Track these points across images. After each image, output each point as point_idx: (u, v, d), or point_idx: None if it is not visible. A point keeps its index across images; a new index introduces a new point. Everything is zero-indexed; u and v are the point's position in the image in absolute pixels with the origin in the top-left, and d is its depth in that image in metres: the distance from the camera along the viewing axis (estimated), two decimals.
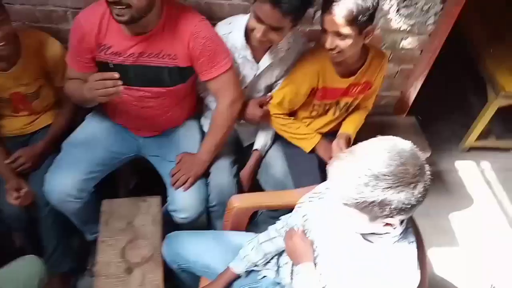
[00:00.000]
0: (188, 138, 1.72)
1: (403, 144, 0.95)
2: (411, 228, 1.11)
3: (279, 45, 1.63)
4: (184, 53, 1.48)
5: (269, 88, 1.78)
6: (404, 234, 1.08)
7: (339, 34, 1.43)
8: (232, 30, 1.60)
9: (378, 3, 1.43)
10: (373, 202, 0.91)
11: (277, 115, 1.74)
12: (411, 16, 1.98)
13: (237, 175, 1.77)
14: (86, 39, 1.44)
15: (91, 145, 1.64)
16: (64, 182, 1.56)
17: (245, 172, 1.80)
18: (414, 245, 1.09)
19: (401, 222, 1.04)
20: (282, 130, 1.78)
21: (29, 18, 1.79)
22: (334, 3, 1.39)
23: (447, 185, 2.60)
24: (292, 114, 1.81)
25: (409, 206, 0.92)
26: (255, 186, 1.87)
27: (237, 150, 1.86)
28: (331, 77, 1.64)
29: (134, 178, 2.23)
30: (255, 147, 1.82)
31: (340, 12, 1.38)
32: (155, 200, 1.71)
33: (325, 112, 1.79)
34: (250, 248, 1.40)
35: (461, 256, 2.27)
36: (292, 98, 1.69)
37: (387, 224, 0.99)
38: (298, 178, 1.71)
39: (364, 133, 2.10)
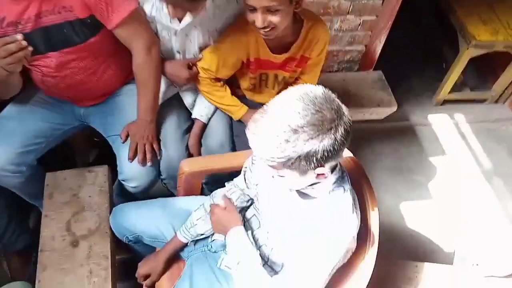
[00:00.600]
0: (131, 103, 1.60)
1: (315, 90, 0.89)
2: (346, 175, 1.05)
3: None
4: (79, 2, 1.32)
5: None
6: (339, 182, 1.02)
7: (269, 10, 1.29)
8: None
9: None
10: (298, 157, 0.86)
11: (203, 78, 1.61)
12: None
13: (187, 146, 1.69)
14: None
15: (25, 117, 1.55)
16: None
17: (190, 143, 1.70)
18: (349, 192, 1.03)
19: (332, 170, 0.98)
20: (207, 96, 1.66)
21: None
22: None
23: (420, 140, 2.54)
24: (231, 82, 1.69)
25: (335, 151, 0.87)
26: None
27: (187, 117, 1.76)
28: (263, 51, 1.52)
29: (93, 153, 2.15)
30: (194, 115, 1.72)
31: None
32: (102, 170, 1.63)
33: (264, 84, 1.68)
34: (196, 218, 1.34)
35: (435, 209, 2.23)
36: (219, 67, 1.56)
37: (318, 175, 0.94)
38: (244, 145, 1.62)
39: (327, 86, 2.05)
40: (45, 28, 1.33)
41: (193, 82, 1.63)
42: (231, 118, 1.72)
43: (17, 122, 1.53)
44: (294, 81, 1.69)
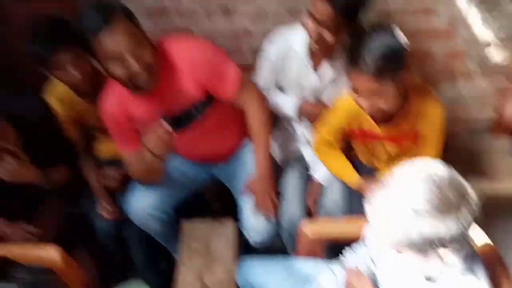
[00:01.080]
0: (252, 158, 1.69)
1: (439, 171, 0.89)
2: (478, 259, 1.01)
3: (338, 55, 1.58)
4: (193, 85, 1.47)
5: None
6: (469, 266, 0.99)
7: (374, 93, 1.31)
8: (294, 36, 1.60)
9: (408, 45, 1.29)
10: (420, 238, 0.87)
11: (316, 143, 1.66)
12: (498, 24, 1.81)
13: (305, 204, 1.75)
14: (118, 119, 1.51)
15: (169, 170, 1.72)
16: (143, 203, 1.67)
17: (309, 202, 1.75)
18: (484, 280, 0.99)
19: (458, 251, 0.95)
20: (320, 159, 1.69)
21: None
22: (361, 60, 1.26)
23: None
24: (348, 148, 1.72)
25: (459, 233, 0.87)
26: None
27: (307, 174, 1.82)
28: (367, 121, 1.53)
29: (218, 204, 2.30)
30: (314, 176, 1.77)
31: (368, 69, 1.26)
32: (229, 222, 1.76)
33: (372, 153, 1.66)
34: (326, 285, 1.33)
35: None
36: (329, 129, 1.60)
37: (441, 256, 0.92)
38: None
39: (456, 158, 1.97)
40: (173, 117, 1.50)
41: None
42: None
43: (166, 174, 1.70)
44: (409, 153, 1.60)
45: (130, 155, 1.58)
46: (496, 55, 1.92)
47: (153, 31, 1.52)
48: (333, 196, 1.71)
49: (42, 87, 1.76)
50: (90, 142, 1.96)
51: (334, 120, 1.57)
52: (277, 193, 1.69)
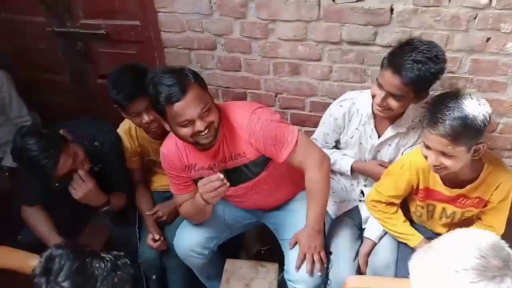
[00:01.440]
0: (302, 210, 1.70)
1: (484, 236, 0.89)
2: None
3: (402, 121, 1.63)
4: (250, 149, 1.54)
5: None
6: None
7: (443, 153, 1.33)
8: (361, 96, 1.68)
9: (490, 118, 1.31)
10: None
11: (375, 202, 1.66)
12: None
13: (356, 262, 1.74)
14: (176, 165, 1.61)
15: (217, 208, 1.78)
16: (190, 239, 1.73)
17: (360, 262, 1.74)
18: None
19: None
20: (380, 222, 1.69)
21: None
22: (439, 121, 1.28)
23: None
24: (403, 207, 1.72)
25: None
26: None
27: (359, 234, 1.82)
28: (433, 181, 1.54)
29: (258, 245, 2.33)
30: (366, 234, 1.76)
31: (445, 131, 1.27)
32: (272, 267, 1.78)
33: (431, 215, 1.66)
34: None
35: None
36: (391, 190, 1.61)
37: None
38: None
39: None
40: (226, 171, 1.59)
41: None
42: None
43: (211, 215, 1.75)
44: (475, 220, 1.63)
45: (178, 198, 1.69)
46: None
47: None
48: (384, 255, 1.69)
49: (118, 121, 1.93)
50: (148, 175, 2.10)
51: (402, 176, 1.56)
52: (326, 250, 1.68)
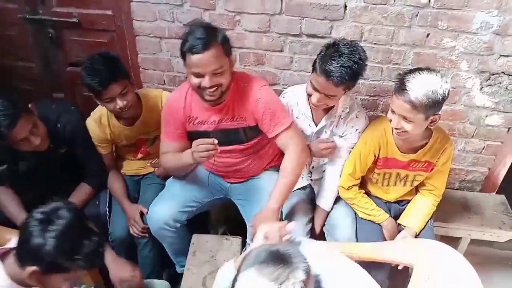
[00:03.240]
0: (267, 189, 1.84)
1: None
2: None
3: (333, 111, 1.83)
4: (251, 115, 1.72)
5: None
6: None
7: (405, 118, 1.54)
8: (299, 90, 1.87)
9: (448, 95, 1.51)
10: None
11: (349, 186, 1.88)
12: (495, 95, 2.06)
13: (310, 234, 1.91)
14: (177, 114, 1.77)
15: (188, 183, 1.93)
16: (163, 212, 1.85)
17: (317, 228, 1.94)
18: None
19: None
20: (351, 203, 1.92)
21: (159, 81, 2.27)
22: (406, 89, 1.49)
23: None
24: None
25: None
26: None
27: (312, 208, 2.00)
28: (391, 149, 1.77)
29: (224, 227, 2.46)
30: (320, 204, 1.97)
31: (409, 99, 1.48)
32: (236, 240, 1.92)
33: (387, 183, 1.91)
34: None
35: None
36: (362, 167, 1.84)
37: None
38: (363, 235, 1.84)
39: (450, 208, 2.18)
40: (223, 131, 1.76)
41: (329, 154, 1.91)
42: (355, 213, 1.93)
43: (180, 187, 1.92)
44: (421, 184, 1.89)
45: (166, 145, 1.82)
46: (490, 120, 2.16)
47: None
48: (346, 231, 1.88)
49: (87, 109, 2.01)
50: (118, 160, 2.20)
51: (368, 150, 1.79)
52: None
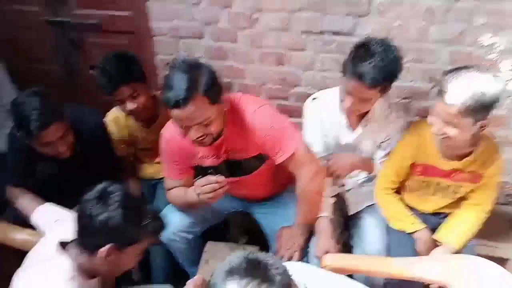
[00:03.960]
0: (292, 200, 1.74)
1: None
2: None
3: (370, 114, 1.68)
4: (250, 145, 1.55)
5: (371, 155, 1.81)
6: None
7: (449, 123, 1.38)
8: (331, 94, 1.73)
9: (498, 98, 1.33)
10: None
11: (381, 188, 1.73)
12: None
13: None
14: (176, 151, 1.60)
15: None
16: (174, 222, 1.73)
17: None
18: None
19: None
20: (382, 206, 1.75)
21: None
22: (449, 91, 1.33)
23: None
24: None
25: None
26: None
27: (342, 220, 1.85)
28: (432, 155, 1.60)
29: (244, 238, 2.35)
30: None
31: (455, 102, 1.32)
32: (252, 250, 1.79)
33: (424, 192, 1.72)
34: None
35: None
36: (398, 171, 1.68)
37: None
38: (394, 249, 1.66)
39: (495, 225, 1.93)
40: (226, 163, 1.62)
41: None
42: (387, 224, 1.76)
43: None
44: (464, 198, 1.68)
45: (174, 184, 1.67)
46: None
47: None
48: (376, 245, 1.71)
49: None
50: (135, 163, 2.14)
51: (406, 154, 1.63)
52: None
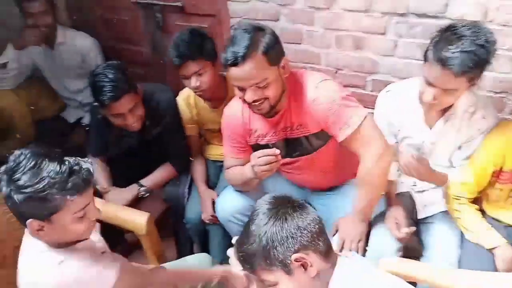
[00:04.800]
0: (348, 200, 1.63)
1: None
2: None
3: (453, 110, 1.49)
4: (311, 121, 1.49)
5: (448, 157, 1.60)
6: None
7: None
8: (407, 86, 1.56)
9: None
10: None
11: (458, 197, 1.52)
12: None
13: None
14: (236, 128, 1.61)
15: (267, 180, 1.69)
16: (232, 204, 1.72)
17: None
18: None
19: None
20: (457, 217, 1.55)
21: None
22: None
23: None
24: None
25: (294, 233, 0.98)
26: None
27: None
28: None
29: None
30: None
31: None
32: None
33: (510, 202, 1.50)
34: None
35: None
36: (479, 179, 1.48)
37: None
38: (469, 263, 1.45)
39: None
40: (286, 140, 1.57)
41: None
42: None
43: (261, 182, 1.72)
44: None
45: (229, 161, 1.68)
46: None
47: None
48: (447, 254, 1.54)
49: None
50: (203, 144, 2.17)
51: (489, 161, 1.46)
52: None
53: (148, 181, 1.98)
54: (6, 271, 1.54)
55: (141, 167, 2.02)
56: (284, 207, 1.02)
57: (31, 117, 2.49)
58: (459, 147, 1.55)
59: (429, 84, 1.37)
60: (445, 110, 1.50)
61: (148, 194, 1.97)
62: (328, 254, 1.03)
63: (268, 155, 1.41)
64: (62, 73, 2.51)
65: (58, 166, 1.01)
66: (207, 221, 1.92)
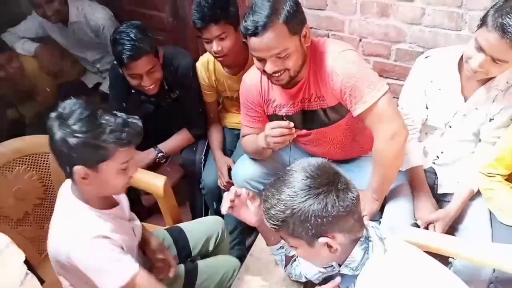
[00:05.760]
0: (365, 173, 1.60)
1: (310, 160, 1.00)
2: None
3: (495, 81, 1.43)
4: (329, 92, 1.45)
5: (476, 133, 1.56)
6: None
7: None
8: (447, 54, 1.50)
9: None
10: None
11: (490, 174, 1.47)
12: None
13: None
14: (254, 97, 1.58)
15: (284, 150, 1.69)
16: (247, 171, 1.72)
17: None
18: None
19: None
20: (489, 197, 1.50)
21: None
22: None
23: None
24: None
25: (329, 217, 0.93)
26: None
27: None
28: None
29: None
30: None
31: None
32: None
33: None
34: None
35: None
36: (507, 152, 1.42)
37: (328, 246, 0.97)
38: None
39: None
40: (303, 112, 1.54)
41: None
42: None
43: (274, 153, 1.71)
44: None
45: (249, 131, 1.67)
46: None
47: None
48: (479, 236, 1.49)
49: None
50: (221, 111, 2.16)
51: None
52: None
53: (166, 146, 2.00)
54: (28, 227, 1.61)
55: (159, 133, 2.03)
56: (326, 190, 0.93)
57: (52, 81, 2.51)
58: (490, 119, 1.50)
59: (480, 49, 1.32)
60: (484, 81, 1.45)
61: (165, 160, 1.99)
62: (353, 230, 0.99)
63: (282, 127, 1.40)
64: (78, 47, 2.51)
65: (113, 117, 1.08)
66: (222, 187, 1.93)
